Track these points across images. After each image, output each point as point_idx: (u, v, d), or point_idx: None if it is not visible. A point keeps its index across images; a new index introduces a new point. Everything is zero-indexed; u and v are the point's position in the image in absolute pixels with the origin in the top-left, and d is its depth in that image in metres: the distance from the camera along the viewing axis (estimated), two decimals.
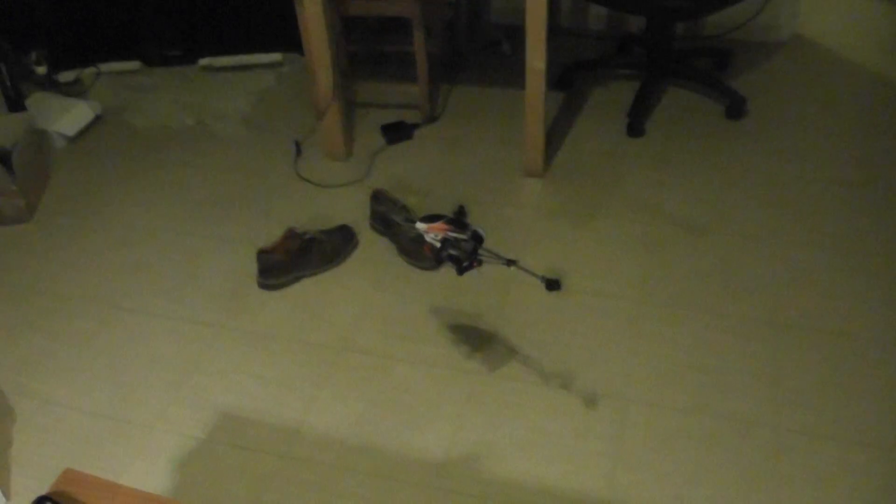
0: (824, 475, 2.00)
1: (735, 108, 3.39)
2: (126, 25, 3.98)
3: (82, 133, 3.57)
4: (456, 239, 2.17)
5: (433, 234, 2.20)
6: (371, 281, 2.67)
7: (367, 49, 3.90)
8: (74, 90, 3.87)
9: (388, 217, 2.79)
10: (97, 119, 3.66)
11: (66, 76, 3.95)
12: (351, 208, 2.99)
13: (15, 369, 2.45)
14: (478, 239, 2.17)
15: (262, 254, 2.63)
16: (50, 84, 3.87)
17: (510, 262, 2.25)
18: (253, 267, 2.76)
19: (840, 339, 2.36)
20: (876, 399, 2.17)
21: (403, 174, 3.15)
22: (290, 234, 2.66)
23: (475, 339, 2.43)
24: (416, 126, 3.41)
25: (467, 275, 2.64)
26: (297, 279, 2.69)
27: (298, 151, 3.32)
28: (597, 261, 2.69)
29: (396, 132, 3.34)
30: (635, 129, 3.31)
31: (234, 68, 3.99)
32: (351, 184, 3.12)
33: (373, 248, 2.80)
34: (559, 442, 2.12)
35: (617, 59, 3.81)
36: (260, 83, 3.85)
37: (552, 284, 2.33)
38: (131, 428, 2.24)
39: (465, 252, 2.15)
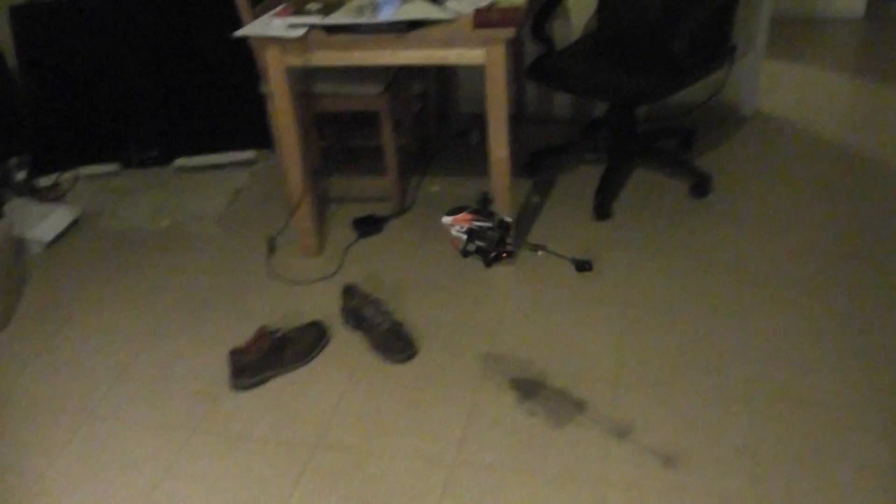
0: None
1: (701, 186, 3.45)
2: (104, 129, 4.05)
3: (60, 238, 3.61)
4: (481, 228, 2.06)
5: (458, 226, 2.07)
6: (344, 377, 2.68)
7: (339, 144, 3.97)
8: (53, 195, 3.92)
9: (360, 312, 2.81)
10: (75, 223, 3.70)
11: (45, 181, 4.01)
12: (323, 304, 3.02)
13: None
14: (504, 227, 2.06)
15: (235, 354, 2.65)
16: (29, 190, 3.92)
17: (537, 248, 2.14)
18: (226, 367, 2.77)
19: (816, 409, 2.37)
20: (855, 467, 2.18)
21: (375, 267, 3.19)
22: (262, 333, 2.69)
23: (449, 430, 2.44)
24: (387, 219, 3.46)
25: (442, 361, 2.66)
26: (270, 378, 2.71)
27: (271, 249, 3.36)
28: (571, 345, 2.71)
29: (368, 226, 3.38)
30: (602, 211, 3.36)
31: (208, 168, 4.05)
32: (323, 279, 3.16)
33: (345, 343, 2.82)
34: None
35: (582, 143, 3.89)
36: (234, 181, 3.91)
37: (582, 265, 2.23)
38: None
39: (491, 242, 2.04)
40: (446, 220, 2.12)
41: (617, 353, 2.67)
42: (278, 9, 3.01)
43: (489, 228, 2.06)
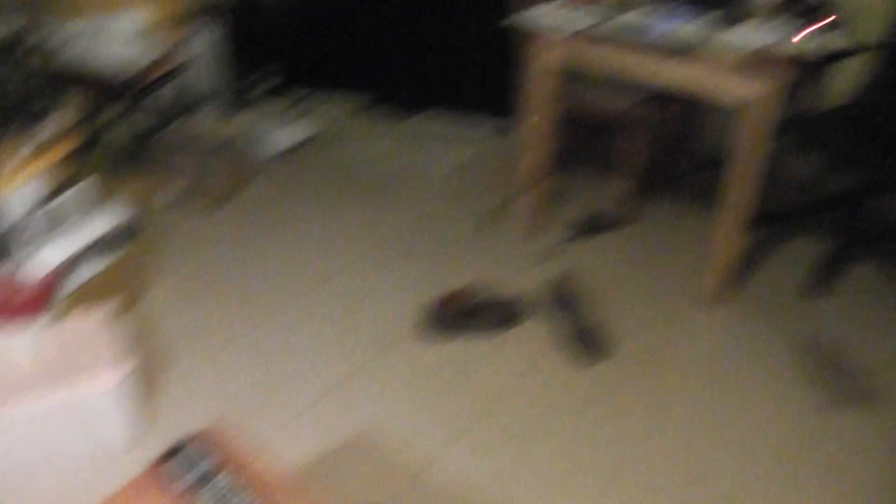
0: None
1: None
2: (360, 63, 4.20)
3: (292, 151, 3.76)
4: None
5: None
6: (526, 360, 2.68)
7: (582, 143, 3.96)
8: (296, 111, 4.07)
9: (563, 304, 2.82)
10: (309, 141, 3.83)
11: (291, 96, 4.18)
12: (525, 286, 3.03)
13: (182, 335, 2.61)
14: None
15: (432, 307, 2.71)
16: (273, 100, 4.08)
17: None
18: (417, 312, 2.84)
19: None
20: None
21: (584, 268, 3.16)
22: (461, 294, 2.72)
23: (620, 448, 2.40)
24: (608, 226, 3.43)
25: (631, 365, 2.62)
26: (456, 338, 2.74)
27: (491, 217, 3.39)
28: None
29: (588, 227, 3.38)
30: (817, 290, 3.16)
31: (451, 126, 4.11)
32: (532, 264, 3.16)
33: (535, 329, 2.83)
34: None
35: (823, 213, 3.66)
36: (472, 147, 3.94)
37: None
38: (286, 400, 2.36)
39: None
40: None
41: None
42: None
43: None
